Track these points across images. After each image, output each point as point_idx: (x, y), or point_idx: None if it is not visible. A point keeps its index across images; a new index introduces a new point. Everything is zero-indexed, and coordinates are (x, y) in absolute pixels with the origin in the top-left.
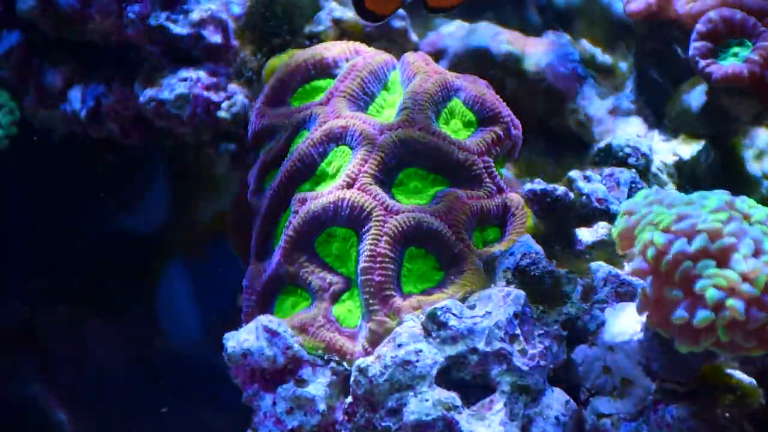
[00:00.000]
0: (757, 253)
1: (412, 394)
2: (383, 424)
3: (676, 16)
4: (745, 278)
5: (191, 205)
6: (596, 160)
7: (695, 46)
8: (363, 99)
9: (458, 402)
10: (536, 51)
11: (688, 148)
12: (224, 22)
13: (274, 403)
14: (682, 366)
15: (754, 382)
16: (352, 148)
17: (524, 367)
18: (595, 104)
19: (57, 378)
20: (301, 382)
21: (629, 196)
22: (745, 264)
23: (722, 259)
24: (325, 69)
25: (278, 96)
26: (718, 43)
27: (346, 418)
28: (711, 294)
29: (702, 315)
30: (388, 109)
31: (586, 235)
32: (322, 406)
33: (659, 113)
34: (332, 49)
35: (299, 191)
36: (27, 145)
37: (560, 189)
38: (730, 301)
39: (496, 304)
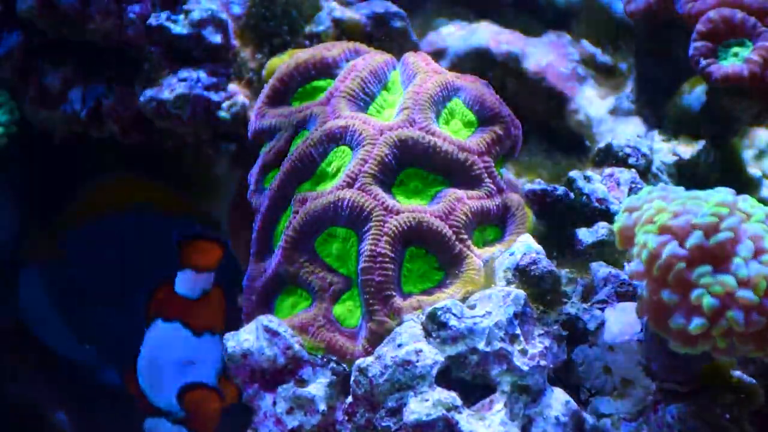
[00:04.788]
0: (757, 253)
1: (412, 394)
2: (383, 424)
3: (677, 16)
4: (744, 284)
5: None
6: (596, 160)
7: (695, 46)
8: (363, 99)
9: (458, 402)
10: (536, 51)
11: (688, 148)
12: (224, 22)
13: (275, 403)
14: (682, 366)
15: (754, 382)
16: (352, 148)
17: (524, 367)
18: (595, 104)
19: (57, 378)
20: (302, 382)
21: (629, 196)
22: (746, 268)
23: (720, 255)
24: (325, 69)
25: (278, 96)
26: (718, 43)
27: (346, 418)
28: (707, 303)
29: (697, 323)
30: (388, 109)
31: (586, 235)
32: (322, 406)
33: (659, 113)
34: (332, 49)
35: (299, 191)
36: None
37: (560, 189)
38: (730, 313)
39: (496, 304)
